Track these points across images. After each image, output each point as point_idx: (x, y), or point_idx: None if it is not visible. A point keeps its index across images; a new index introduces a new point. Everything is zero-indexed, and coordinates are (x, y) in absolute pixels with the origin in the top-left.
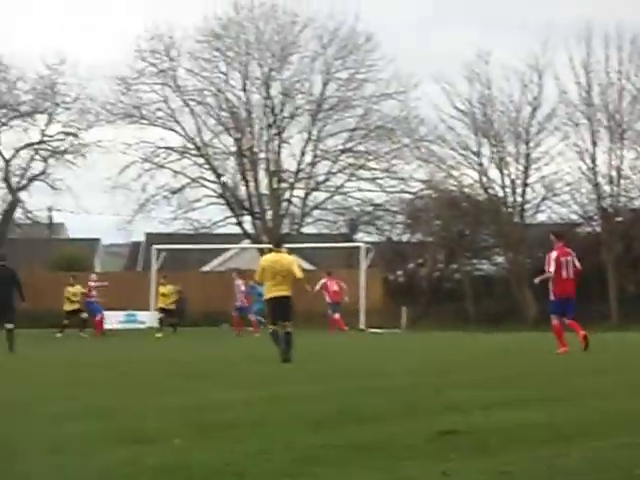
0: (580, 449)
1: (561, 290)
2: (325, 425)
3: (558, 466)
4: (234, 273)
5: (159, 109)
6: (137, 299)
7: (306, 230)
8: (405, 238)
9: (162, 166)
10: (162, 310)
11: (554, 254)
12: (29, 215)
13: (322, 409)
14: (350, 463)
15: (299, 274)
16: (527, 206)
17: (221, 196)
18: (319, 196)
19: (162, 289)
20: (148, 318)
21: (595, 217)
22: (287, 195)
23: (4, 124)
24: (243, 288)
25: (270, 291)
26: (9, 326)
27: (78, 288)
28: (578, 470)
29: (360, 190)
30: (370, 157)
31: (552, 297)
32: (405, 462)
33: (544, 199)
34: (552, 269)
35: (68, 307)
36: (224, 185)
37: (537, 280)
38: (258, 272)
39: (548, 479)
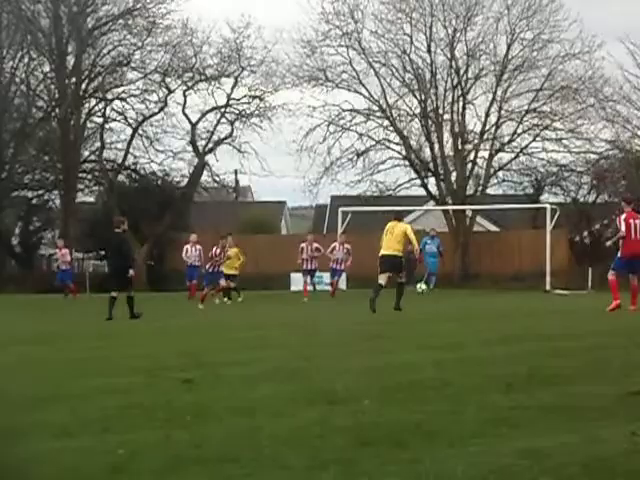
0: None
1: (629, 250)
2: (515, 387)
3: None
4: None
5: (344, 71)
6: (324, 260)
7: (491, 191)
8: (591, 199)
9: (347, 129)
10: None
11: (623, 216)
12: (216, 178)
13: (511, 371)
14: (540, 425)
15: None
16: None
17: (406, 158)
18: (504, 157)
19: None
20: None
21: None
22: (472, 156)
23: (190, 88)
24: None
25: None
26: (128, 294)
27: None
28: None
29: (545, 151)
30: (555, 117)
31: (619, 255)
32: (594, 423)
33: None
34: (623, 228)
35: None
36: (409, 147)
37: (609, 243)
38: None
39: None
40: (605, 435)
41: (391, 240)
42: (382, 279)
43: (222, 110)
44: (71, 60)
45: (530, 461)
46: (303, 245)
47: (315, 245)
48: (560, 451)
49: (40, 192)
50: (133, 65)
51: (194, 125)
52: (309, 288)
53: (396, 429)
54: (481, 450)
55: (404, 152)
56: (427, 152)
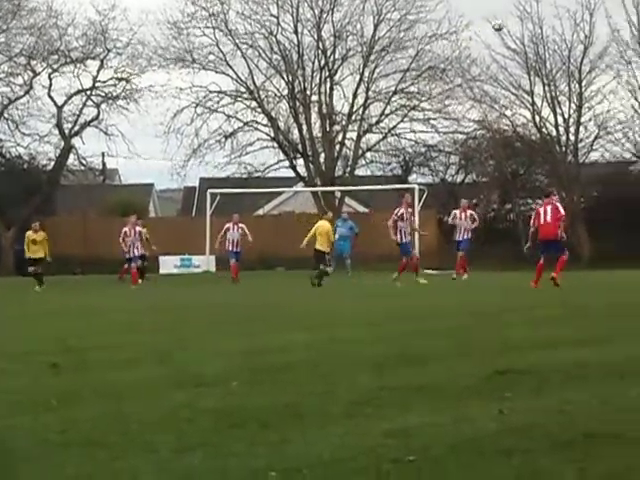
0: (637, 386)
1: (542, 234)
2: (385, 367)
3: (615, 404)
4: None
5: (211, 53)
6: (192, 244)
7: (359, 172)
8: (459, 179)
9: (215, 110)
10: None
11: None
12: (82, 161)
13: (382, 351)
14: (410, 404)
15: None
16: (580, 145)
17: (274, 139)
18: (372, 138)
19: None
20: (203, 262)
21: None
22: (340, 137)
23: (55, 70)
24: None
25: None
26: None
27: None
28: (636, 408)
29: (413, 131)
30: (423, 98)
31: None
32: (463, 402)
33: (597, 138)
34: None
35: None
36: (277, 128)
37: (528, 245)
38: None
39: (605, 417)
40: (472, 414)
41: (323, 239)
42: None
43: (88, 93)
44: None
45: (397, 441)
46: (229, 225)
47: (138, 229)
48: (428, 431)
49: None
50: None
51: (60, 108)
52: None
53: (265, 411)
54: (350, 431)
55: (272, 134)
56: (295, 133)
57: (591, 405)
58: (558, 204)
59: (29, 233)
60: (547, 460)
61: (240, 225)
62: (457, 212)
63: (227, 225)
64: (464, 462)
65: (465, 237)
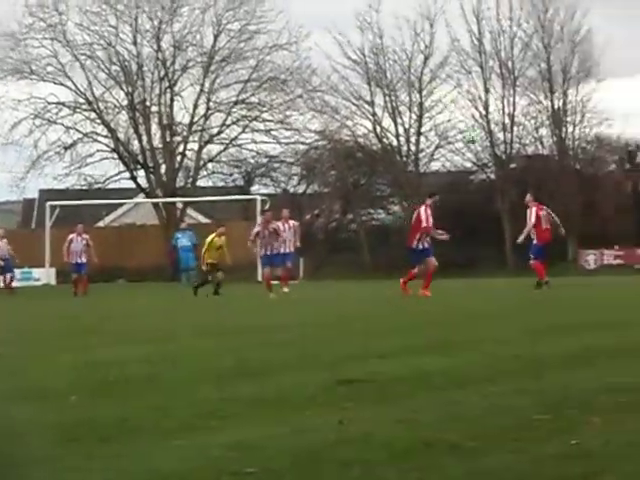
0: (477, 395)
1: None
2: (224, 379)
3: (454, 412)
4: None
5: (49, 64)
6: (32, 256)
7: (201, 183)
8: (301, 189)
9: (54, 122)
10: None
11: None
12: None
13: (221, 364)
14: (250, 416)
15: None
16: (421, 155)
17: (114, 150)
18: (213, 149)
19: None
20: (43, 275)
21: (489, 164)
22: (181, 148)
23: None
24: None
25: None
26: None
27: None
28: (475, 415)
29: (255, 142)
30: (264, 108)
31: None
32: (303, 413)
33: (438, 147)
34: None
35: None
36: (117, 140)
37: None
38: None
39: (445, 426)
40: (313, 424)
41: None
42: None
43: None
44: None
45: (239, 453)
46: (72, 236)
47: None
48: (269, 443)
49: None
50: None
51: None
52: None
53: (102, 425)
54: (190, 444)
55: (112, 145)
56: (136, 144)
57: (431, 414)
58: (421, 212)
59: None
60: (385, 470)
61: (84, 236)
62: (279, 223)
63: (71, 236)
64: (303, 474)
65: (289, 250)
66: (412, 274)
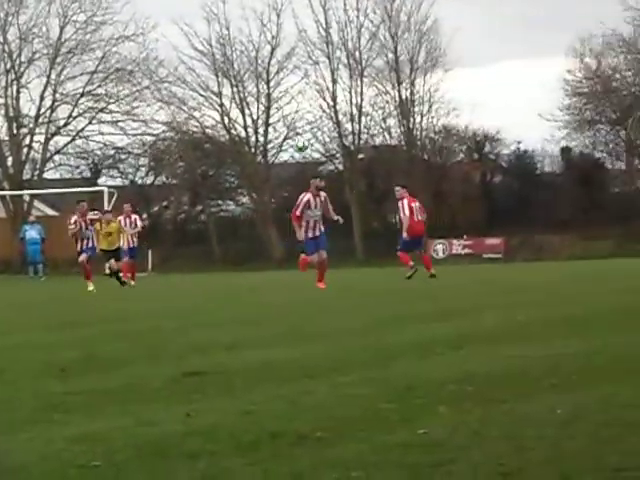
0: (326, 385)
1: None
2: (70, 372)
3: (302, 403)
4: None
5: None
6: None
7: (48, 175)
8: (149, 181)
9: None
10: None
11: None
12: None
13: (66, 356)
14: (96, 408)
15: None
16: (270, 146)
17: None
18: (60, 141)
19: None
20: None
21: (338, 155)
22: (27, 141)
23: None
24: None
25: None
26: None
27: None
28: (323, 406)
29: (102, 134)
30: (111, 100)
31: (405, 236)
32: (150, 405)
33: (286, 138)
34: (407, 213)
35: None
36: None
37: (405, 235)
38: None
39: (292, 416)
40: (160, 417)
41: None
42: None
43: None
44: None
45: (83, 446)
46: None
47: None
48: (114, 435)
49: None
50: None
51: None
52: None
53: None
54: (34, 437)
55: None
56: None
57: (278, 405)
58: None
59: None
60: (232, 462)
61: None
62: (121, 218)
63: None
64: (149, 466)
65: (132, 245)
66: (305, 260)
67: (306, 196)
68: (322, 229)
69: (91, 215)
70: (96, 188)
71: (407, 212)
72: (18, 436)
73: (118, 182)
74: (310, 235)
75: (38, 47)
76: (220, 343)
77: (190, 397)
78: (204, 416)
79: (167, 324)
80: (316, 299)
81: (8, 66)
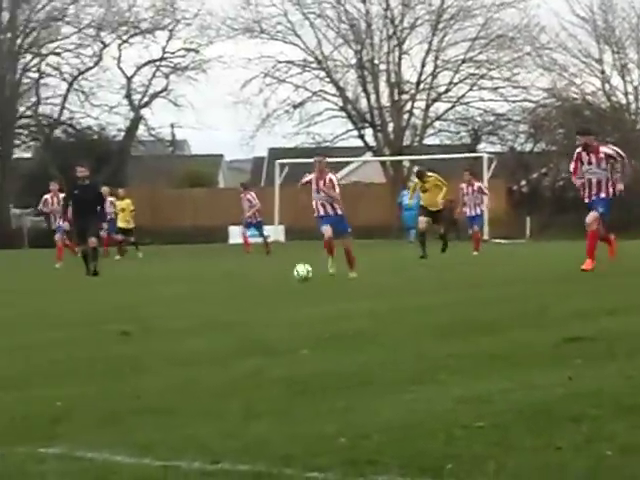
0: None
1: None
2: (451, 335)
3: None
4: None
5: (279, 23)
6: (262, 213)
7: (428, 141)
8: (528, 148)
9: (283, 80)
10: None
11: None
12: (152, 132)
13: (447, 319)
14: (478, 371)
15: None
16: None
17: (342, 109)
18: (441, 107)
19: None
20: (273, 232)
21: None
22: (408, 107)
23: (125, 41)
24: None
25: None
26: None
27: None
28: None
29: (482, 100)
30: (491, 66)
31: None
32: (531, 369)
33: None
34: None
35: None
36: (345, 98)
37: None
38: None
39: None
40: (541, 380)
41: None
42: None
43: (157, 64)
44: (6, 16)
45: (467, 407)
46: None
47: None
48: (497, 397)
49: None
50: (68, 19)
51: (129, 79)
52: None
53: (331, 378)
54: (418, 397)
55: (341, 103)
56: (364, 103)
57: None
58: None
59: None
60: (615, 425)
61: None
62: (464, 186)
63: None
64: (533, 428)
65: (477, 212)
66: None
67: None
68: None
69: None
70: (475, 154)
71: None
72: (403, 396)
73: (497, 148)
74: None
75: (420, 13)
76: (601, 309)
77: (572, 362)
78: (586, 380)
79: (549, 289)
80: None
81: (390, 32)
